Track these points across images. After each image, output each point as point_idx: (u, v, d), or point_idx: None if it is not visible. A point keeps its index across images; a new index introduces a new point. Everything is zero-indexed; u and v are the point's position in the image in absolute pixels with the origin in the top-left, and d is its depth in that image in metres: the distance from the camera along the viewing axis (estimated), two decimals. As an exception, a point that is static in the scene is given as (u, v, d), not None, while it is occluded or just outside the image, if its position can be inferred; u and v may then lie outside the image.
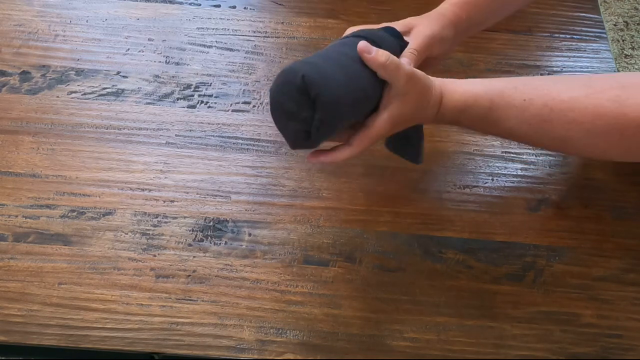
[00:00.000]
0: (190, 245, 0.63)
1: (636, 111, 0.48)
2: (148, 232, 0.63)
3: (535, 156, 0.71)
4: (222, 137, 0.70)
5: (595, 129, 0.49)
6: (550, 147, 0.58)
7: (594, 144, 0.51)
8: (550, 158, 0.71)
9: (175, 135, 0.70)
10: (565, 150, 0.58)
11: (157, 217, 0.64)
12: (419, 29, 0.61)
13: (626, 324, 0.61)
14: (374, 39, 0.55)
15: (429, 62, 0.63)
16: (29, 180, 0.66)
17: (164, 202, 0.65)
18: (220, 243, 0.63)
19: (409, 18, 0.63)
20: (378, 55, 0.51)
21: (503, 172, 0.69)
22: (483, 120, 0.54)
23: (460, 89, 0.54)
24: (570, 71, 0.79)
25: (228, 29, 0.80)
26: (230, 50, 0.78)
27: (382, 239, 0.64)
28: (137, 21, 0.80)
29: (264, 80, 0.75)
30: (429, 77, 0.55)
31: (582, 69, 0.79)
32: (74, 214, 0.64)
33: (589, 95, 0.50)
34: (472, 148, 0.71)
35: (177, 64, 0.76)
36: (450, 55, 0.68)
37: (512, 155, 0.71)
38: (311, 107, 0.50)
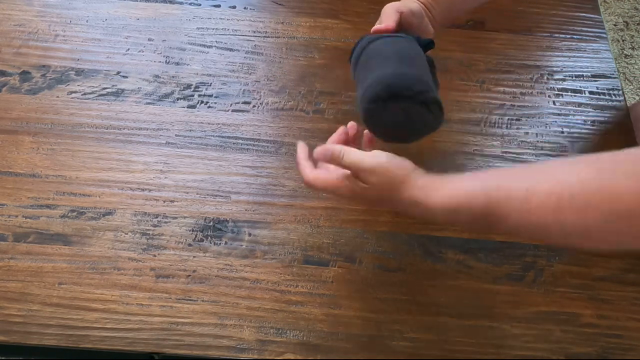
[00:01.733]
0: (190, 245, 0.63)
1: None
2: (148, 232, 0.63)
3: (535, 156, 0.71)
4: (222, 137, 0.70)
5: (617, 210, 0.40)
6: (573, 242, 0.45)
7: (617, 230, 0.41)
8: (550, 158, 0.71)
9: (175, 135, 0.70)
10: (594, 243, 0.44)
11: (157, 217, 0.64)
12: (386, 8, 0.60)
13: (626, 324, 0.61)
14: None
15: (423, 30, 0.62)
16: (29, 180, 0.66)
17: (164, 202, 0.65)
18: (220, 243, 0.63)
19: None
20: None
21: (503, 172, 0.69)
22: (484, 217, 0.46)
23: (449, 185, 0.48)
24: (570, 71, 0.79)
25: (228, 29, 0.80)
26: (230, 50, 0.78)
27: (382, 239, 0.64)
28: (137, 21, 0.80)
29: (264, 80, 0.75)
30: (405, 169, 0.50)
31: (582, 69, 0.79)
32: (74, 214, 0.64)
33: (600, 172, 0.42)
34: (472, 148, 0.71)
35: (177, 64, 0.76)
36: (446, 25, 0.65)
37: (512, 155, 0.71)
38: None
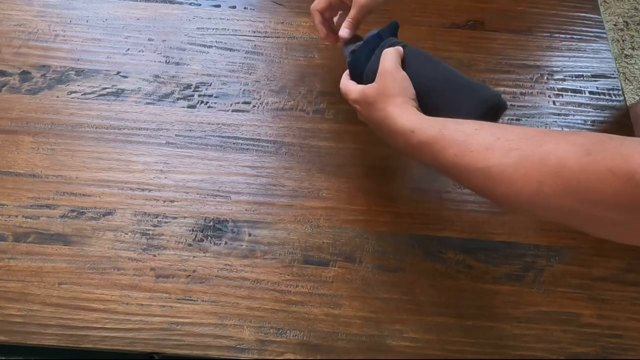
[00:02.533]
0: (190, 245, 0.63)
1: (584, 140, 0.41)
2: (148, 232, 0.63)
3: (535, 156, 0.71)
4: (222, 137, 0.70)
5: (534, 154, 0.42)
6: (489, 185, 0.46)
7: (528, 174, 0.42)
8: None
9: (175, 135, 0.70)
10: (500, 186, 0.45)
11: (157, 217, 0.64)
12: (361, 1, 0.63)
13: (626, 324, 0.61)
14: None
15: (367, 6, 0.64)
16: (29, 180, 0.66)
17: (164, 202, 0.65)
18: (220, 243, 0.63)
19: None
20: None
21: (503, 172, 0.69)
22: (431, 144, 0.49)
23: (418, 113, 0.53)
24: (570, 71, 0.79)
25: (228, 29, 0.80)
26: (230, 50, 0.78)
27: (382, 239, 0.64)
28: (137, 21, 0.80)
29: (264, 80, 0.75)
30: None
31: (582, 69, 0.79)
32: (74, 214, 0.64)
33: (542, 130, 0.45)
34: (472, 148, 0.71)
35: (177, 64, 0.76)
36: None
37: (512, 155, 0.71)
38: None
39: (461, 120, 0.49)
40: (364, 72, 0.61)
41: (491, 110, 0.55)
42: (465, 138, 0.47)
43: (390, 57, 0.57)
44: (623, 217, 0.40)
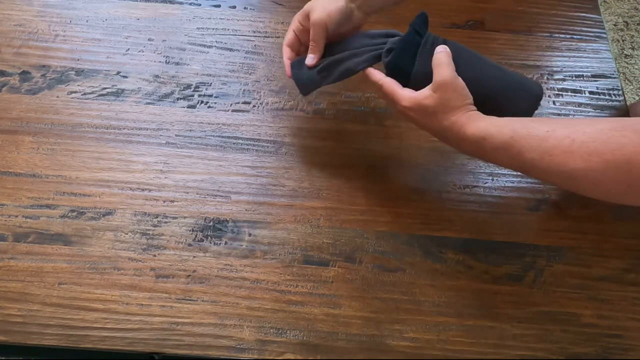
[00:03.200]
0: (190, 245, 0.63)
1: None
2: (148, 232, 0.63)
3: (535, 156, 0.71)
4: (222, 137, 0.70)
5: (617, 160, 0.45)
6: (574, 185, 0.51)
7: (616, 178, 0.46)
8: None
9: (175, 135, 0.70)
10: (588, 189, 0.50)
11: (157, 217, 0.64)
12: (313, 17, 0.61)
13: (626, 324, 0.61)
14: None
15: (339, 33, 0.64)
16: (29, 180, 0.66)
17: (164, 202, 0.65)
18: (220, 243, 0.63)
19: (310, 2, 0.63)
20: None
21: (503, 172, 0.69)
22: (506, 149, 0.51)
23: (484, 118, 0.54)
24: (570, 71, 0.79)
25: (228, 29, 0.80)
26: (230, 50, 0.78)
27: (382, 239, 0.64)
28: (137, 21, 0.80)
29: (264, 80, 0.75)
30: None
31: (582, 69, 0.79)
32: (74, 214, 0.64)
33: (613, 128, 0.46)
34: (472, 148, 0.71)
35: (177, 64, 0.76)
36: (359, 23, 0.66)
37: (512, 155, 0.71)
38: None
39: (529, 122, 0.52)
40: (410, 75, 0.58)
41: (539, 101, 0.58)
42: (539, 142, 0.49)
43: (446, 63, 0.56)
44: None
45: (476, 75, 0.57)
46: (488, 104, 0.56)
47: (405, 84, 0.59)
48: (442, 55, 0.57)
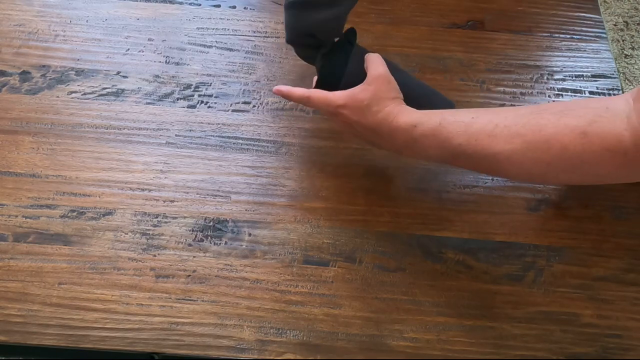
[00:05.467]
0: (190, 245, 0.63)
1: (578, 122, 0.47)
2: (148, 232, 0.63)
3: (535, 156, 0.71)
4: (222, 137, 0.70)
5: (537, 140, 0.48)
6: (499, 169, 0.53)
7: (534, 157, 0.48)
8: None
9: (175, 135, 0.70)
10: (513, 171, 0.52)
11: (157, 217, 0.64)
12: None
13: (626, 324, 0.61)
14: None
15: None
16: (29, 180, 0.66)
17: (164, 202, 0.65)
18: (220, 243, 0.63)
19: None
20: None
21: (503, 172, 0.69)
22: (435, 135, 0.53)
23: (414, 110, 0.56)
24: (570, 71, 0.79)
25: (228, 29, 0.80)
26: (230, 50, 0.78)
27: (382, 239, 0.64)
28: (137, 21, 0.80)
29: (264, 80, 0.75)
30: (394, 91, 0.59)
31: (582, 69, 0.79)
32: (74, 214, 0.64)
33: (533, 111, 0.50)
34: (472, 148, 0.71)
35: (177, 64, 0.76)
36: None
37: (512, 155, 0.71)
38: None
39: (456, 111, 0.55)
40: (343, 76, 0.61)
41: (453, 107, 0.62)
42: (465, 128, 0.51)
43: (380, 60, 0.59)
44: (623, 178, 0.50)
45: (401, 81, 0.60)
46: (412, 105, 0.58)
47: (334, 89, 0.60)
48: (375, 55, 0.60)
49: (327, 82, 0.62)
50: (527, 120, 0.49)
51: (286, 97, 0.62)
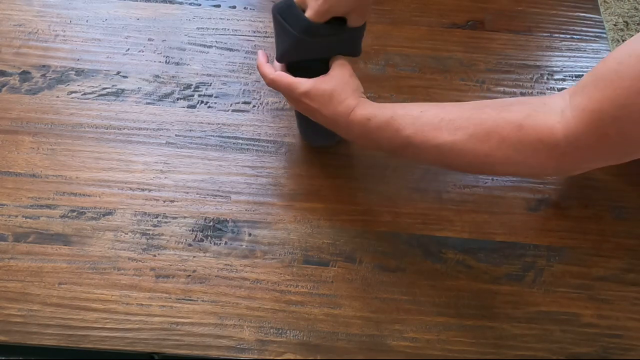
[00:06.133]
0: (190, 245, 0.63)
1: (515, 116, 0.49)
2: (148, 232, 0.63)
3: (535, 156, 0.71)
4: (222, 137, 0.70)
5: (478, 132, 0.51)
6: (443, 159, 0.55)
7: (475, 148, 0.51)
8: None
9: (175, 135, 0.70)
10: (455, 162, 0.55)
11: (157, 217, 0.64)
12: None
13: (626, 324, 0.61)
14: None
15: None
16: (29, 180, 0.66)
17: (164, 202, 0.65)
18: (220, 243, 0.63)
19: None
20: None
21: (503, 172, 0.70)
22: (386, 127, 0.56)
23: (371, 103, 0.58)
24: (570, 71, 0.79)
25: (228, 29, 0.80)
26: (230, 50, 0.78)
27: (382, 239, 0.64)
28: (137, 21, 0.80)
29: (264, 80, 0.75)
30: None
31: (582, 69, 0.79)
32: (74, 214, 0.64)
33: (475, 106, 0.53)
34: (472, 148, 0.71)
35: (177, 64, 0.76)
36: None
37: (512, 155, 0.71)
38: None
39: (407, 105, 0.57)
40: (315, 63, 0.61)
41: None
42: (414, 120, 0.54)
43: (344, 58, 0.61)
44: (556, 172, 0.57)
45: None
46: None
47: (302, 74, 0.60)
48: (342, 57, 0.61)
49: (299, 66, 0.61)
50: (470, 114, 0.52)
51: (257, 66, 0.64)
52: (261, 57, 0.64)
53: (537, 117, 0.49)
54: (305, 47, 0.59)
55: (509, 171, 0.58)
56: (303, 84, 0.59)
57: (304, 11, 0.58)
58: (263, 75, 0.63)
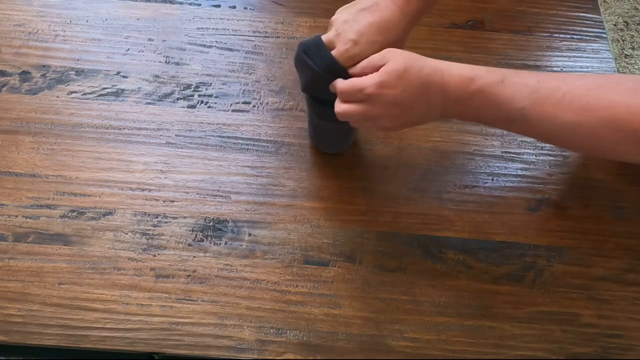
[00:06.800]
0: (190, 245, 0.63)
1: None
2: (148, 232, 0.63)
3: (535, 156, 0.71)
4: (222, 137, 0.70)
5: (608, 118, 0.45)
6: (560, 138, 0.50)
7: (604, 135, 0.46)
8: (550, 158, 0.71)
9: (175, 135, 0.70)
10: (574, 143, 0.50)
11: (157, 217, 0.64)
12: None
13: (626, 324, 0.61)
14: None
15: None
16: (29, 180, 0.66)
17: (164, 202, 0.65)
18: (220, 243, 0.63)
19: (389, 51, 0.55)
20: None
21: (503, 172, 0.69)
22: (495, 96, 0.49)
23: (470, 65, 0.51)
24: (570, 71, 0.79)
25: (228, 29, 0.80)
26: (230, 50, 0.78)
27: (382, 239, 0.64)
28: (137, 21, 0.80)
29: (264, 80, 0.75)
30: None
31: (582, 69, 0.79)
32: (74, 214, 0.64)
33: (602, 84, 0.47)
34: (472, 148, 0.71)
35: (177, 64, 0.76)
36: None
37: (512, 155, 0.71)
38: None
39: (516, 71, 0.50)
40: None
41: None
42: (531, 92, 0.47)
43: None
44: None
45: None
46: None
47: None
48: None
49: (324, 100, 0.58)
50: (598, 93, 0.46)
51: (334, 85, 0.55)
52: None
53: None
54: (327, 84, 0.56)
55: (633, 157, 0.49)
56: (370, 77, 0.51)
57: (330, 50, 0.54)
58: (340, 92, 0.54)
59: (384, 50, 0.52)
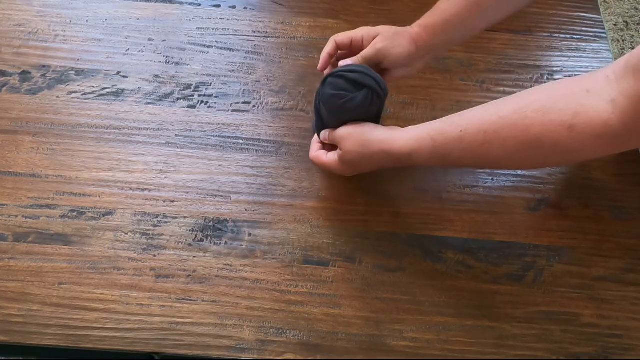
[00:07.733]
0: (190, 245, 0.63)
1: (562, 117, 0.47)
2: (148, 232, 0.63)
3: (535, 156, 0.71)
4: (222, 137, 0.70)
5: (528, 141, 0.50)
6: (501, 166, 0.65)
7: (534, 154, 0.51)
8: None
9: (175, 135, 0.70)
10: (516, 166, 0.63)
11: (157, 217, 0.64)
12: (377, 40, 0.63)
13: (626, 324, 0.61)
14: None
15: (393, 75, 0.65)
16: (29, 180, 0.66)
17: (164, 202, 0.65)
18: (220, 243, 0.63)
19: (383, 26, 0.64)
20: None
21: (503, 172, 0.69)
22: (433, 157, 0.56)
23: (405, 135, 0.58)
24: (570, 71, 0.79)
25: (228, 29, 0.80)
26: (230, 50, 0.78)
27: (382, 239, 0.64)
28: (137, 21, 0.80)
29: (264, 80, 0.75)
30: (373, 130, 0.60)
31: (582, 69, 0.79)
32: (74, 214, 0.64)
33: (516, 111, 0.51)
34: (472, 148, 0.71)
35: (177, 64, 0.76)
36: (416, 72, 0.67)
37: (512, 155, 0.71)
38: None
39: (440, 127, 0.56)
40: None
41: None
42: (457, 144, 0.54)
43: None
44: (613, 153, 0.52)
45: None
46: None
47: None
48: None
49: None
50: (514, 122, 0.51)
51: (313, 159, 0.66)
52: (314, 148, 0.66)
53: (587, 114, 0.47)
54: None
55: (566, 163, 0.67)
56: (331, 160, 0.62)
57: None
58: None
59: (343, 133, 0.61)
